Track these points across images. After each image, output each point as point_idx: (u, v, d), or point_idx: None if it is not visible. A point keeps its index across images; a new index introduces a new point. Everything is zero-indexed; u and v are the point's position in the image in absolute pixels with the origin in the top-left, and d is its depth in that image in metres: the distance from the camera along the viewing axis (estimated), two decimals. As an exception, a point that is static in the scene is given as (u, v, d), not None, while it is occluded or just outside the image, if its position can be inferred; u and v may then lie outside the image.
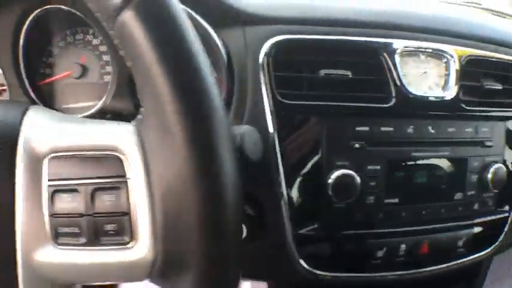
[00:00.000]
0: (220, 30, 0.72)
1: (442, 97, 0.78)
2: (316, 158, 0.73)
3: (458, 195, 0.82)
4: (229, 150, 0.39)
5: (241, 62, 0.71)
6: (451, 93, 0.79)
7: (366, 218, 0.77)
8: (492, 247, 0.90)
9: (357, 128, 0.74)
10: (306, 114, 0.73)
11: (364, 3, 0.82)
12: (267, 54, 0.71)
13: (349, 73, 0.73)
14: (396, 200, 0.78)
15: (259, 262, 0.75)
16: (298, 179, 0.74)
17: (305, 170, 0.73)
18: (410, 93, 0.76)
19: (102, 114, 0.78)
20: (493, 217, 0.88)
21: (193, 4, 0.69)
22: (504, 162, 0.86)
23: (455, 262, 0.85)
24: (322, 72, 0.73)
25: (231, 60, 0.72)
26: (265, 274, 0.77)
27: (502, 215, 0.89)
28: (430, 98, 0.77)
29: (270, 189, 0.71)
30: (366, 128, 0.74)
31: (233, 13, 0.72)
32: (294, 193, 0.73)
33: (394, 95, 0.75)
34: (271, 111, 0.71)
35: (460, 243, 0.84)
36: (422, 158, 0.78)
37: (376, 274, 0.79)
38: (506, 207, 0.89)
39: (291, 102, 0.72)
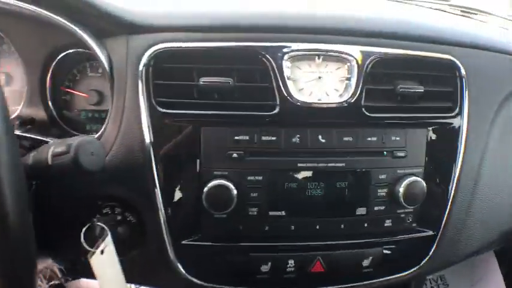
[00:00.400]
0: (106, 40, 0.74)
1: (338, 103, 0.72)
2: (193, 168, 0.72)
3: (361, 210, 0.75)
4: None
5: (122, 71, 0.72)
6: (349, 98, 0.72)
7: (250, 231, 0.74)
8: (415, 268, 0.81)
9: (236, 137, 0.72)
10: (183, 123, 0.72)
11: (261, 6, 0.79)
12: (146, 64, 0.71)
13: (230, 80, 0.71)
14: (282, 213, 0.74)
15: (142, 268, 0.75)
16: (176, 189, 0.73)
17: (182, 181, 0.72)
18: (298, 100, 0.71)
19: (20, 121, 0.84)
20: (413, 235, 0.79)
21: (76, 16, 0.72)
22: (425, 176, 0.77)
23: (361, 283, 0.78)
24: (202, 80, 0.71)
25: (113, 70, 0.74)
26: (148, 281, 0.77)
27: (424, 234, 0.80)
28: (322, 105, 0.72)
29: (147, 199, 0.71)
30: (246, 137, 0.72)
31: (117, 23, 0.73)
32: (171, 203, 0.72)
33: (278, 102, 0.71)
34: (148, 120, 0.71)
35: (366, 262, 0.77)
36: (312, 169, 0.73)
37: None
38: (430, 227, 0.80)
39: (169, 111, 0.71)
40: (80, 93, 0.85)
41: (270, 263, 0.74)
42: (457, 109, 0.78)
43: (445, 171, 0.79)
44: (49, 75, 0.82)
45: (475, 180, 0.81)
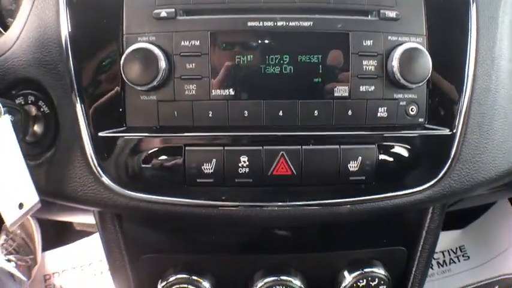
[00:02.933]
0: None
1: None
2: (115, 36, 0.54)
3: (341, 90, 0.56)
4: None
5: None
6: None
7: (186, 117, 0.55)
8: (425, 186, 0.61)
9: None
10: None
11: None
12: None
13: None
14: (230, 92, 0.54)
15: (56, 175, 0.58)
16: (93, 67, 0.55)
17: (101, 55, 0.55)
18: None
19: None
20: (420, 133, 0.59)
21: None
22: (429, 47, 0.57)
23: (348, 199, 0.59)
24: None
25: None
26: (63, 190, 0.58)
27: (436, 133, 0.59)
28: None
29: (60, 80, 0.55)
30: None
31: None
32: (89, 83, 0.55)
33: None
34: None
35: (353, 165, 0.56)
36: (267, 32, 0.54)
37: (208, 202, 0.57)
38: (444, 124, 0.60)
39: None
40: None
41: (214, 161, 0.54)
42: None
43: (456, 47, 0.58)
44: None
45: (494, 72, 0.60)
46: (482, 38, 0.59)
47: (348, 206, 0.58)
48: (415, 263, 0.72)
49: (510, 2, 0.63)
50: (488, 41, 0.60)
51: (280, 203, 0.57)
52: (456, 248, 1.67)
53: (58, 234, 1.49)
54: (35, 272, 1.43)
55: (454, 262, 1.63)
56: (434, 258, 1.62)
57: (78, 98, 0.55)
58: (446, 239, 1.66)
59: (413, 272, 0.73)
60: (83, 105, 0.55)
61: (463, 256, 1.65)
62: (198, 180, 0.55)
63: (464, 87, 0.58)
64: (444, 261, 1.63)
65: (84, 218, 0.81)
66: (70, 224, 1.52)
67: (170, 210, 0.57)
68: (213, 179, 0.55)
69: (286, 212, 0.57)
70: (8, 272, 1.23)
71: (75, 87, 0.55)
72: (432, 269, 1.60)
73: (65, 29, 0.55)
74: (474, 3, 0.58)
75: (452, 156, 0.59)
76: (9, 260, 1.37)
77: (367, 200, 0.59)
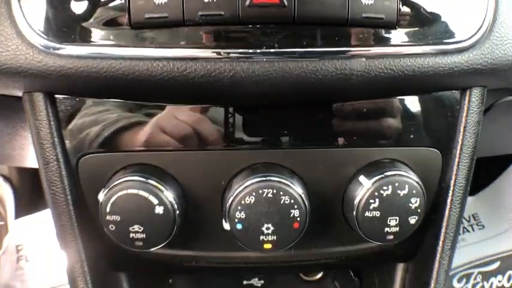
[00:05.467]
0: None
1: None
2: None
3: None
4: None
5: None
6: None
7: None
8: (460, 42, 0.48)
9: None
10: None
11: None
12: None
13: None
14: None
15: None
16: None
17: None
18: None
19: None
20: None
21: None
22: None
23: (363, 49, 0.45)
24: None
25: None
26: None
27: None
28: None
29: None
30: None
31: None
32: None
33: None
34: None
35: None
36: None
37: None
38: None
39: None
40: None
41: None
42: None
43: None
44: None
45: None
46: None
47: (363, 59, 0.44)
48: (454, 172, 0.58)
49: None
50: None
51: (264, 50, 0.42)
52: (469, 216, 1.57)
53: (32, 200, 1.38)
54: (7, 242, 1.34)
55: (468, 231, 1.54)
56: None
57: None
58: None
59: (451, 186, 0.58)
60: None
61: (477, 225, 1.55)
62: (146, 16, 0.41)
63: None
64: None
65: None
66: None
67: (112, 70, 0.43)
68: (168, 12, 0.41)
69: (272, 67, 0.43)
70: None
71: None
72: None
73: None
74: None
75: (492, 14, 0.48)
76: None
77: (390, 53, 0.45)
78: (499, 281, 1.47)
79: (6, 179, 1.36)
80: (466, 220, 1.57)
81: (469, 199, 1.62)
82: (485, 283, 1.46)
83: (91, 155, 0.53)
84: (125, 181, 0.49)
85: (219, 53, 0.42)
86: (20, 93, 0.51)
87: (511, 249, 1.53)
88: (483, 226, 1.56)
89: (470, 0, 0.47)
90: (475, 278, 1.46)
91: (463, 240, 1.51)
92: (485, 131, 0.63)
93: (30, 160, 0.83)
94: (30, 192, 1.38)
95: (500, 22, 0.48)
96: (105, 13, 0.42)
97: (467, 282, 1.45)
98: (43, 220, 1.37)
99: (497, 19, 0.48)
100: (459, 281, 1.45)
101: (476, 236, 1.54)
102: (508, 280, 1.48)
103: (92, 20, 0.42)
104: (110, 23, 0.42)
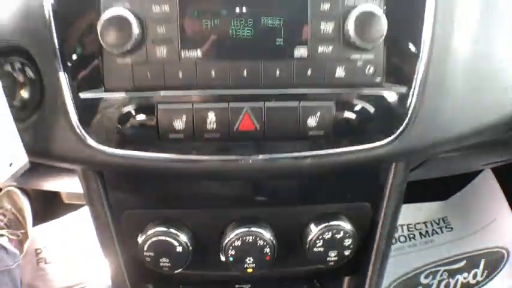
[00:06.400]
0: None
1: None
2: (92, 3, 0.59)
3: (300, 51, 0.60)
4: None
5: None
6: None
7: (158, 77, 0.60)
8: (383, 143, 0.64)
9: None
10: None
11: None
12: None
13: None
14: (198, 53, 0.59)
15: (43, 133, 0.63)
16: (74, 32, 0.60)
17: (80, 21, 0.60)
18: None
19: None
20: (376, 90, 0.63)
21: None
22: (385, 8, 0.61)
23: (308, 153, 0.64)
24: None
25: None
26: (50, 148, 0.63)
27: (392, 90, 0.63)
28: None
29: (44, 46, 0.60)
30: None
31: None
32: (70, 48, 0.60)
33: None
34: None
35: (312, 121, 0.61)
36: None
37: (180, 156, 0.62)
38: (401, 82, 0.64)
39: None
40: None
41: (184, 117, 0.59)
42: None
43: (412, 9, 0.62)
44: None
45: (453, 35, 0.64)
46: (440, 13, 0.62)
47: (309, 159, 0.63)
48: (381, 219, 0.77)
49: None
50: (447, 2, 0.63)
51: (245, 157, 0.62)
52: (439, 219, 1.73)
53: (47, 209, 1.58)
54: (26, 246, 1.52)
55: (437, 233, 1.70)
56: (416, 229, 1.69)
57: (60, 64, 0.59)
58: (429, 210, 1.73)
59: (379, 228, 0.78)
60: (65, 70, 0.59)
61: (446, 227, 1.71)
62: (170, 135, 0.60)
63: (422, 46, 0.61)
64: (427, 231, 1.70)
65: (70, 184, 0.86)
66: (58, 198, 1.58)
67: (146, 165, 0.63)
68: (184, 134, 0.60)
69: (251, 165, 0.63)
70: (1, 245, 1.30)
71: (58, 53, 0.59)
72: (415, 239, 1.67)
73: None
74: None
75: (410, 114, 0.63)
76: (1, 235, 1.43)
77: (327, 154, 0.63)
78: (464, 278, 1.61)
79: (25, 192, 1.55)
80: (436, 223, 1.71)
81: (440, 204, 1.77)
82: (451, 280, 1.60)
83: (131, 210, 0.75)
84: (156, 230, 0.72)
85: (215, 159, 0.64)
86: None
87: (477, 250, 1.66)
88: (452, 228, 1.71)
89: (391, 112, 0.63)
90: (441, 275, 1.60)
91: (432, 241, 1.66)
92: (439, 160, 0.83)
93: (51, 187, 1.04)
94: (44, 204, 1.57)
95: (417, 123, 0.63)
96: (140, 130, 0.62)
97: (433, 278, 1.60)
98: (58, 226, 1.56)
99: (414, 121, 0.63)
100: (426, 277, 1.60)
101: (444, 237, 1.68)
102: (474, 277, 1.62)
103: (131, 132, 0.62)
104: (143, 136, 0.62)
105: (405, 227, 1.69)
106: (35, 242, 1.55)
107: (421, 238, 1.69)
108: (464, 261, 1.65)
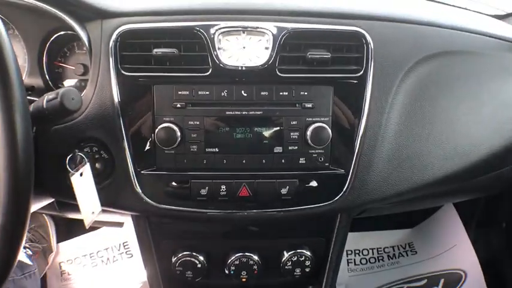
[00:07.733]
0: (86, 23, 1.00)
1: (257, 66, 0.95)
2: (149, 116, 0.97)
3: (278, 149, 0.98)
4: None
5: (98, 46, 0.97)
6: (265, 63, 0.95)
7: (191, 163, 0.98)
8: (329, 202, 1.01)
9: (179, 92, 0.96)
10: (141, 83, 0.97)
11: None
12: (114, 40, 0.96)
13: (176, 51, 0.95)
14: (216, 150, 0.97)
15: (112, 194, 1.00)
16: (137, 133, 0.97)
17: (142, 126, 0.97)
18: (226, 64, 0.94)
19: None
20: (325, 172, 1.00)
21: (61, 5, 0.98)
22: (333, 124, 0.98)
23: (282, 209, 1.00)
24: (155, 50, 0.95)
25: (91, 46, 0.99)
26: (117, 204, 1.02)
27: (335, 172, 1.00)
28: (243, 68, 0.95)
29: (117, 140, 0.96)
30: (186, 92, 0.96)
31: (92, 10, 0.99)
32: (134, 143, 0.97)
33: (211, 66, 0.95)
34: (116, 81, 0.96)
35: (284, 191, 0.99)
36: (237, 117, 0.96)
37: (203, 210, 1.00)
38: (341, 167, 1.00)
39: (131, 74, 0.96)
40: (69, 66, 1.10)
41: (207, 188, 0.97)
42: (362, 72, 0.97)
43: (351, 123, 0.99)
44: (45, 52, 1.08)
45: (380, 136, 0.99)
46: (371, 117, 0.98)
47: (282, 213, 1.01)
48: (331, 249, 1.15)
49: (402, 91, 0.99)
50: (376, 120, 0.98)
51: (243, 211, 1.01)
52: (406, 244, 2.01)
53: (70, 229, 1.82)
54: (51, 259, 1.75)
55: (403, 256, 1.97)
56: (385, 252, 1.99)
57: (127, 152, 0.95)
58: (397, 237, 2.00)
59: (330, 255, 1.16)
60: (131, 156, 0.96)
61: (411, 251, 1.99)
62: (197, 198, 0.98)
63: (356, 145, 0.98)
64: (394, 254, 1.98)
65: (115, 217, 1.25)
66: (80, 221, 1.86)
67: (180, 215, 1.00)
68: (206, 197, 0.98)
69: (246, 216, 1.01)
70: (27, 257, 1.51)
71: (126, 145, 0.95)
72: (383, 261, 1.97)
73: (118, 109, 0.94)
74: (367, 102, 0.98)
75: (346, 185, 1.00)
76: (24, 247, 1.61)
77: (294, 209, 1.00)
78: (425, 294, 1.86)
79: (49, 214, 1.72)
80: (403, 247, 2.00)
81: (407, 231, 2.08)
82: (412, 295, 1.86)
83: (167, 240, 1.14)
84: (184, 254, 1.11)
85: (225, 212, 1.01)
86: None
87: (437, 270, 1.92)
88: (416, 252, 1.98)
89: (334, 184, 1.00)
90: (404, 290, 1.88)
91: (398, 263, 1.94)
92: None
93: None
94: (67, 224, 1.79)
95: (350, 190, 1.00)
96: (179, 194, 1.00)
97: (397, 293, 1.87)
98: (80, 243, 1.80)
99: (349, 190, 0.99)
100: (391, 292, 1.89)
101: (409, 259, 1.95)
102: (434, 293, 1.86)
103: (174, 195, 0.99)
104: (181, 198, 0.99)
105: (375, 250, 1.97)
106: (58, 256, 1.80)
107: (389, 260, 1.96)
108: (426, 280, 1.91)
